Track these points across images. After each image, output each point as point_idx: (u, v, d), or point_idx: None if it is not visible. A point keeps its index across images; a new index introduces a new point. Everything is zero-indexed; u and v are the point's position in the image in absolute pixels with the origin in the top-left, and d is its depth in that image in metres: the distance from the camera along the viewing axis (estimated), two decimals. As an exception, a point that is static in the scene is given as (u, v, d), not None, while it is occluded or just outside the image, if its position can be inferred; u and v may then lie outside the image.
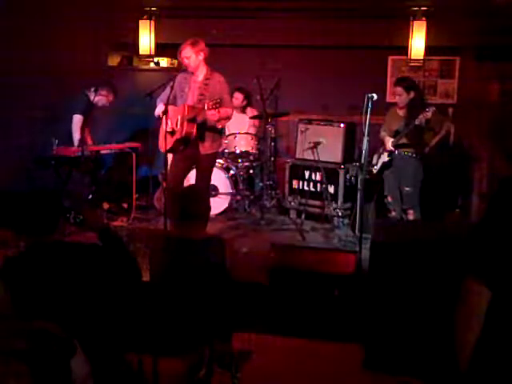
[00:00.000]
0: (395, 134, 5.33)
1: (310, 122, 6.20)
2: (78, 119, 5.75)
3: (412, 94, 5.33)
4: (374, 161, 5.48)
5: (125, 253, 2.70)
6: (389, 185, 5.40)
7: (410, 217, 5.32)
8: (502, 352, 1.68)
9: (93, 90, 5.83)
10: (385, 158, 5.37)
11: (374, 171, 5.45)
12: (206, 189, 5.11)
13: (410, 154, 5.29)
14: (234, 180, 6.20)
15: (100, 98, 5.86)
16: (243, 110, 6.56)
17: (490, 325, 1.70)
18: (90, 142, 5.90)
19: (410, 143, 5.27)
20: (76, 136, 5.75)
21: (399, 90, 5.35)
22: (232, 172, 6.24)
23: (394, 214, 5.38)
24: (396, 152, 5.30)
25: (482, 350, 1.73)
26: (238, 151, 6.25)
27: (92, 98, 5.82)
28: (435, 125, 5.24)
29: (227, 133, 6.49)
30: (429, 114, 5.03)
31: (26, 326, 1.87)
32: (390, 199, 5.40)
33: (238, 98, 6.45)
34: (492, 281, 1.69)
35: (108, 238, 2.68)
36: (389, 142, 5.37)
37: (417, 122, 5.10)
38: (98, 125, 6.23)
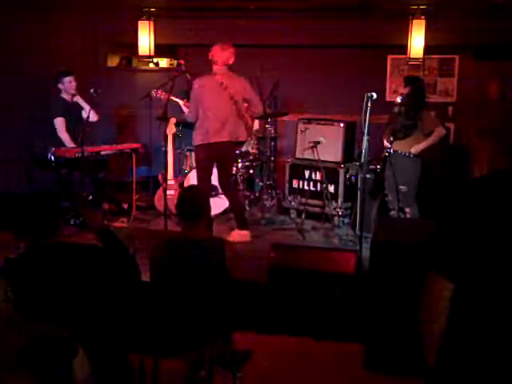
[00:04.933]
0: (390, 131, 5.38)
1: (309, 121, 6.20)
2: (59, 121, 5.73)
3: (407, 90, 5.34)
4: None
5: (125, 254, 2.70)
6: (388, 183, 5.41)
7: (407, 215, 5.33)
8: (469, 345, 1.69)
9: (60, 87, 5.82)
10: (384, 155, 5.39)
11: (378, 170, 5.47)
12: (231, 184, 5.52)
13: (404, 152, 5.30)
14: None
15: (64, 87, 5.80)
16: None
17: (455, 317, 1.72)
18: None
19: (398, 139, 5.27)
20: (64, 138, 5.73)
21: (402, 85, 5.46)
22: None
23: (393, 212, 5.38)
24: (392, 151, 5.31)
25: (449, 344, 1.74)
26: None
27: (64, 96, 5.81)
28: (426, 127, 5.25)
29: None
30: (397, 101, 5.14)
31: (27, 326, 1.87)
32: (390, 197, 5.41)
33: None
34: (454, 273, 1.71)
35: (108, 240, 2.68)
36: (385, 140, 5.40)
37: (395, 110, 5.19)
38: (97, 126, 6.23)
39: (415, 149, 5.23)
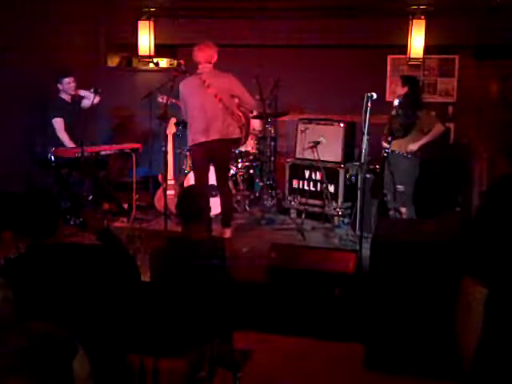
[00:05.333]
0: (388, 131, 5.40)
1: (309, 121, 6.20)
2: (58, 122, 5.71)
3: (405, 89, 5.35)
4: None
5: (124, 254, 2.70)
6: (386, 183, 5.42)
7: (403, 215, 5.33)
8: (505, 349, 1.68)
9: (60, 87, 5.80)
10: (383, 154, 5.41)
11: (377, 170, 5.49)
12: (227, 185, 5.49)
13: (402, 152, 5.31)
14: (234, 180, 6.20)
15: (63, 88, 5.78)
16: None
17: (490, 322, 1.71)
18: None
19: (396, 138, 5.29)
20: (64, 138, 5.71)
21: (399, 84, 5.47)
22: (232, 172, 6.24)
23: (392, 212, 5.39)
24: (390, 150, 5.33)
25: (485, 349, 1.73)
26: (237, 151, 6.25)
27: (63, 96, 5.81)
28: (425, 126, 5.26)
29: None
30: (395, 103, 5.17)
31: (27, 326, 1.87)
32: (388, 197, 5.42)
33: None
34: (489, 277, 1.70)
35: (108, 240, 2.68)
36: (383, 140, 5.42)
37: (393, 113, 5.22)
38: (97, 126, 6.23)
39: (414, 146, 5.24)
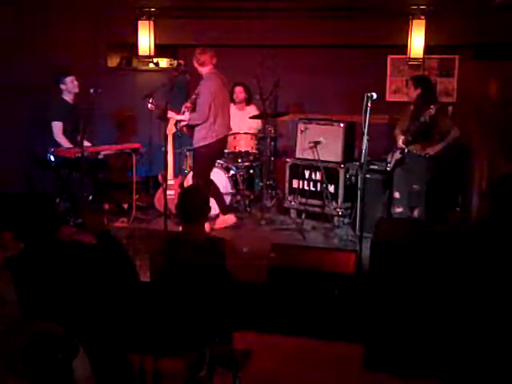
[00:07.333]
0: (406, 132, 5.39)
1: (309, 121, 6.19)
2: (57, 126, 5.70)
3: (419, 91, 5.36)
4: (389, 159, 5.54)
5: (123, 256, 2.70)
6: (398, 181, 5.42)
7: (415, 214, 5.34)
8: None
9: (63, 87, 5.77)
10: (397, 155, 5.42)
11: (388, 169, 5.50)
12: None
13: (419, 152, 5.32)
14: (234, 180, 6.20)
15: (67, 87, 5.76)
16: (247, 103, 6.58)
17: None
18: (88, 143, 5.85)
19: (416, 141, 5.30)
20: (61, 142, 5.70)
21: (410, 85, 5.45)
22: (232, 172, 6.24)
23: (399, 210, 5.39)
24: (406, 150, 5.34)
25: None
26: (237, 151, 6.25)
27: (66, 98, 5.78)
28: (444, 129, 5.28)
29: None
30: (432, 112, 5.08)
31: (28, 326, 1.87)
32: (397, 195, 5.42)
33: (241, 91, 6.49)
34: None
35: (107, 242, 2.68)
36: (400, 140, 5.42)
37: (421, 120, 5.19)
38: (97, 126, 6.23)
39: (431, 150, 5.27)
